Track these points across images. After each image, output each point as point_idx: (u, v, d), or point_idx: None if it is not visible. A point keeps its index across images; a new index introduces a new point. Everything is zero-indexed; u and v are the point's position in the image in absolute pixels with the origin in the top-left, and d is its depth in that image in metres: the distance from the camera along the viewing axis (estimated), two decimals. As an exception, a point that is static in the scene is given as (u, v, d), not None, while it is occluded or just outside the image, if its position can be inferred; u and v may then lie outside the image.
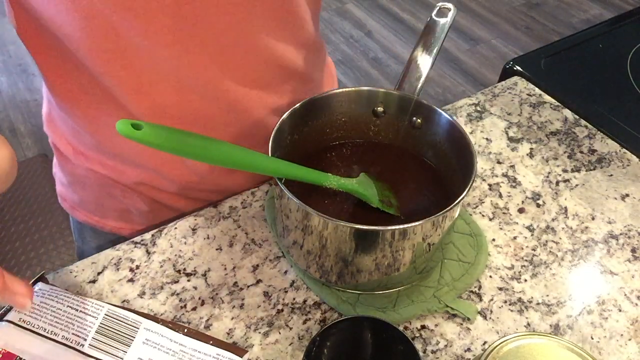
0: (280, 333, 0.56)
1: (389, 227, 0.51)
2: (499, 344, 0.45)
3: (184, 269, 0.61)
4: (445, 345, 0.56)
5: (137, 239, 0.64)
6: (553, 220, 0.68)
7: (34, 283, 0.55)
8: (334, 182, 0.57)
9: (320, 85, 0.74)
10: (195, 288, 0.60)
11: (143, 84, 0.55)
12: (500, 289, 0.61)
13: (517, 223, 0.67)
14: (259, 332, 0.56)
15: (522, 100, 0.85)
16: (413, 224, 0.50)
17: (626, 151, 0.77)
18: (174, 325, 0.54)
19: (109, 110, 0.58)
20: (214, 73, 0.56)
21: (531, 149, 0.77)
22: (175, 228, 0.65)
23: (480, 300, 0.60)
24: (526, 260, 0.63)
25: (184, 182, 0.66)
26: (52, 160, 0.74)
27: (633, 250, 0.65)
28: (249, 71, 0.59)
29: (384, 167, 0.65)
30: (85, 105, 0.59)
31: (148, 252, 0.63)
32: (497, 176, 0.73)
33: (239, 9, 0.52)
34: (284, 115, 0.58)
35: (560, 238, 0.66)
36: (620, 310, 0.59)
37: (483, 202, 0.70)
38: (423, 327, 0.57)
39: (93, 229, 0.74)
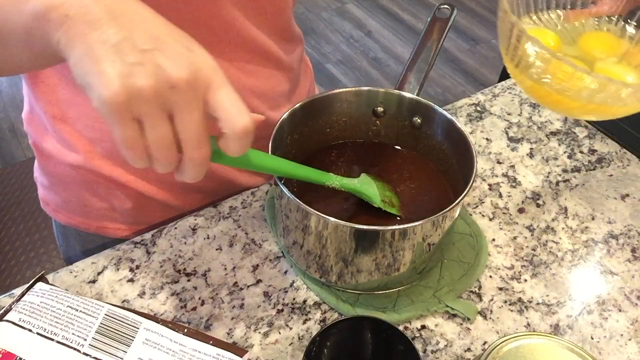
0: (280, 333, 0.56)
1: (389, 227, 0.51)
2: (499, 344, 0.45)
3: (184, 269, 0.61)
4: (445, 345, 0.56)
5: (137, 239, 0.64)
6: (553, 220, 0.68)
7: (34, 283, 0.55)
8: (337, 182, 0.57)
9: (298, 76, 0.74)
10: (195, 288, 0.60)
11: None
12: (500, 289, 0.61)
13: (517, 223, 0.67)
14: (259, 332, 0.56)
15: (522, 100, 0.85)
16: (413, 224, 0.50)
17: (626, 151, 0.77)
18: (174, 325, 0.54)
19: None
20: None
21: (531, 149, 0.77)
22: (175, 228, 0.65)
23: (480, 300, 0.60)
24: (526, 260, 0.63)
25: None
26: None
27: (633, 250, 0.65)
28: (226, 50, 0.60)
29: (384, 167, 0.65)
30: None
31: (148, 252, 0.63)
32: (497, 176, 0.73)
33: None
34: (284, 115, 0.58)
35: (560, 238, 0.66)
36: (620, 310, 0.59)
37: (483, 202, 0.70)
38: (423, 327, 0.57)
39: (77, 231, 0.73)
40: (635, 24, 0.53)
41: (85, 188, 0.68)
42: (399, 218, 0.59)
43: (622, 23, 0.53)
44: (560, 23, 0.54)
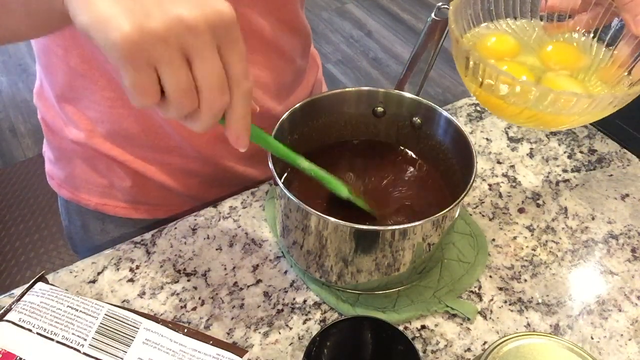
0: (280, 333, 0.56)
1: (389, 227, 0.51)
2: (499, 344, 0.45)
3: (184, 269, 0.61)
4: (445, 345, 0.56)
5: (137, 239, 0.64)
6: (553, 220, 0.68)
7: (34, 283, 0.55)
8: (306, 165, 0.54)
9: (303, 71, 0.74)
10: (195, 288, 0.60)
11: None
12: (500, 289, 0.61)
13: (517, 223, 0.67)
14: (259, 332, 0.56)
15: (522, 100, 0.84)
16: (413, 224, 0.50)
17: (626, 151, 0.77)
18: (174, 325, 0.54)
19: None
20: None
21: (531, 149, 0.77)
22: (175, 228, 0.65)
23: (480, 300, 0.60)
24: (526, 260, 0.63)
25: (163, 144, 0.66)
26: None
27: (633, 250, 0.65)
28: None
29: (384, 167, 0.65)
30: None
31: (148, 252, 0.63)
32: (497, 176, 0.73)
33: None
34: (284, 115, 0.58)
35: (560, 238, 0.66)
36: (620, 310, 0.59)
37: (483, 202, 0.70)
38: (423, 327, 0.57)
39: (78, 207, 0.74)
40: (608, 41, 0.53)
41: (87, 164, 0.70)
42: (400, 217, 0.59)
43: (594, 39, 0.54)
44: (528, 32, 0.55)
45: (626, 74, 0.51)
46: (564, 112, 0.46)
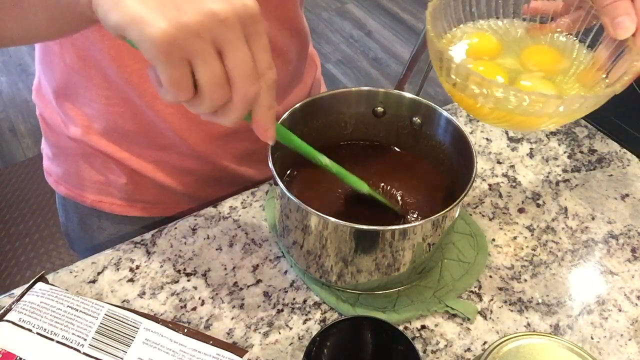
0: (280, 333, 0.56)
1: (389, 227, 0.51)
2: (499, 344, 0.45)
3: (184, 269, 0.61)
4: (445, 345, 0.56)
5: (137, 239, 0.64)
6: (553, 220, 0.68)
7: (34, 283, 0.55)
8: (327, 162, 0.54)
9: (302, 71, 0.74)
10: (195, 288, 0.60)
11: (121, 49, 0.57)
12: (500, 289, 0.61)
13: (517, 223, 0.67)
14: (259, 332, 0.56)
15: (522, 100, 0.84)
16: (413, 224, 0.50)
17: (626, 151, 0.77)
18: (174, 325, 0.54)
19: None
20: None
21: (531, 149, 0.77)
22: (175, 228, 0.65)
23: (480, 300, 0.60)
24: (526, 260, 0.63)
25: (158, 142, 0.66)
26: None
27: (633, 250, 0.65)
28: None
29: (384, 167, 0.65)
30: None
31: (148, 252, 0.63)
32: (497, 176, 0.73)
33: None
34: (284, 115, 0.58)
35: (560, 238, 0.66)
36: (620, 310, 0.59)
37: (483, 202, 0.70)
38: (423, 327, 0.57)
39: (75, 204, 0.74)
40: (589, 43, 0.53)
41: (84, 160, 0.70)
42: (397, 211, 0.59)
43: (576, 41, 0.54)
44: (512, 33, 0.55)
45: (604, 76, 0.51)
46: (533, 113, 0.46)
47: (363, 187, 0.56)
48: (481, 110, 0.48)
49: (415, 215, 0.60)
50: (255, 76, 0.38)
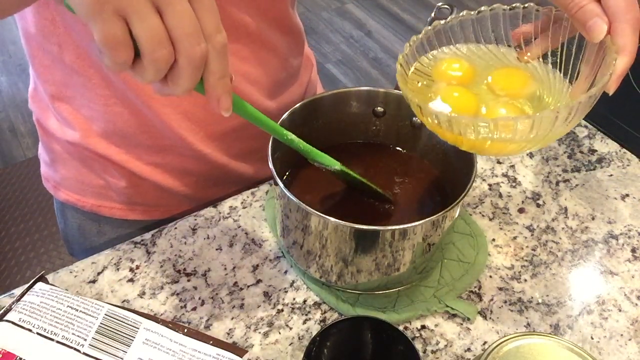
0: (280, 333, 0.56)
1: (389, 227, 0.51)
2: (499, 344, 0.45)
3: (184, 269, 0.61)
4: (445, 345, 0.56)
5: (137, 239, 0.64)
6: (553, 220, 0.68)
7: (34, 283, 0.55)
8: (336, 166, 0.55)
9: (297, 70, 0.74)
10: (195, 288, 0.60)
11: None
12: (500, 289, 0.61)
13: (517, 223, 0.67)
14: (259, 332, 0.56)
15: (522, 100, 0.84)
16: (413, 224, 0.50)
17: (626, 151, 0.77)
18: (174, 325, 0.54)
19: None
20: None
21: (531, 149, 0.77)
22: (175, 228, 0.65)
23: (480, 300, 0.60)
24: (526, 260, 0.63)
25: (158, 143, 0.66)
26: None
27: (633, 250, 0.65)
28: None
29: (384, 167, 0.65)
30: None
31: (148, 252, 0.63)
32: (497, 176, 0.73)
33: None
34: (284, 115, 0.58)
35: (560, 238, 0.66)
36: (620, 310, 0.59)
37: (483, 202, 0.70)
38: (423, 327, 0.57)
39: (74, 209, 0.74)
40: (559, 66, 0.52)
41: (83, 165, 0.70)
42: (391, 206, 0.59)
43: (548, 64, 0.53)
44: (492, 58, 0.54)
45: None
46: (496, 139, 0.45)
47: (334, 163, 0.55)
48: (448, 136, 0.48)
49: (415, 215, 0.60)
50: (198, 35, 0.36)
